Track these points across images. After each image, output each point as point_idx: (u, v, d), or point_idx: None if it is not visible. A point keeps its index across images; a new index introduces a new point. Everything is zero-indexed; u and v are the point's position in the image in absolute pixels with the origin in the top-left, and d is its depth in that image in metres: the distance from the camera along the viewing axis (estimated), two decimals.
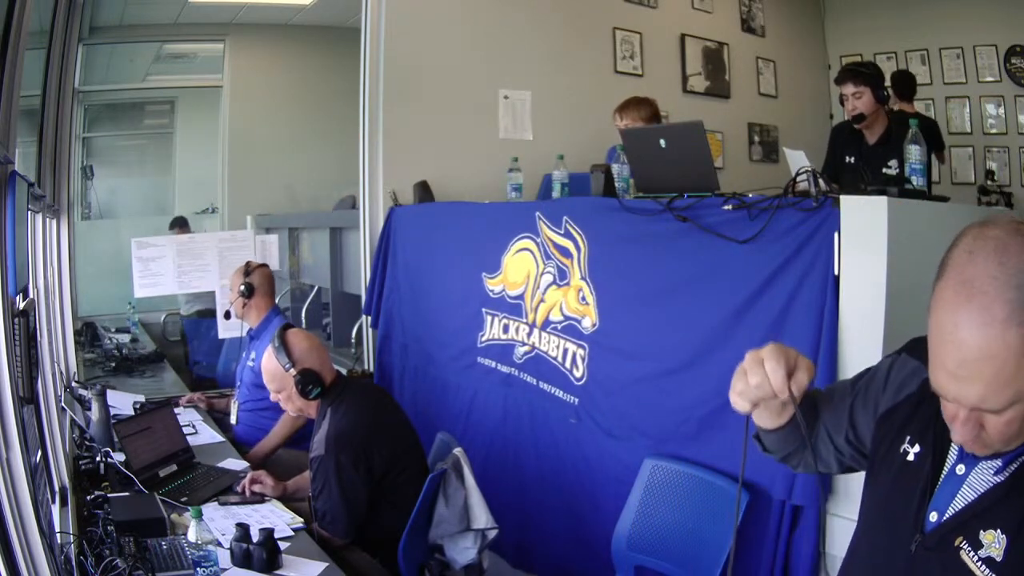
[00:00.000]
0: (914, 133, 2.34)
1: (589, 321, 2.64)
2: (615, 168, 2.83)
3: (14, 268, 1.57)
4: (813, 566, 2.08)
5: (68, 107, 3.76)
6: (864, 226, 1.99)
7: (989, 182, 4.93)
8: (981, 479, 0.98)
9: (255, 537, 1.95)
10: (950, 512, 1.00)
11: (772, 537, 2.11)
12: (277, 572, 1.92)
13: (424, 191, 3.92)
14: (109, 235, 6.05)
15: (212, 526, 2.10)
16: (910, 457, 1.07)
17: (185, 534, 1.89)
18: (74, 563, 1.79)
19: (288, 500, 2.47)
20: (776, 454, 1.30)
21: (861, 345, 2.01)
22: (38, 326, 2.20)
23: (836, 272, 2.01)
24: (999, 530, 0.94)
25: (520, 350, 2.99)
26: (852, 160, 3.24)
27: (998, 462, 0.96)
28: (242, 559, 1.92)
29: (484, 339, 3.19)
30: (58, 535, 1.85)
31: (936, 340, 0.90)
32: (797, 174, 2.17)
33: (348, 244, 4.55)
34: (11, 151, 1.69)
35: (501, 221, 3.17)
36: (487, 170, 3.88)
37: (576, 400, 2.70)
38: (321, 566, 1.97)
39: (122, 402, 3.39)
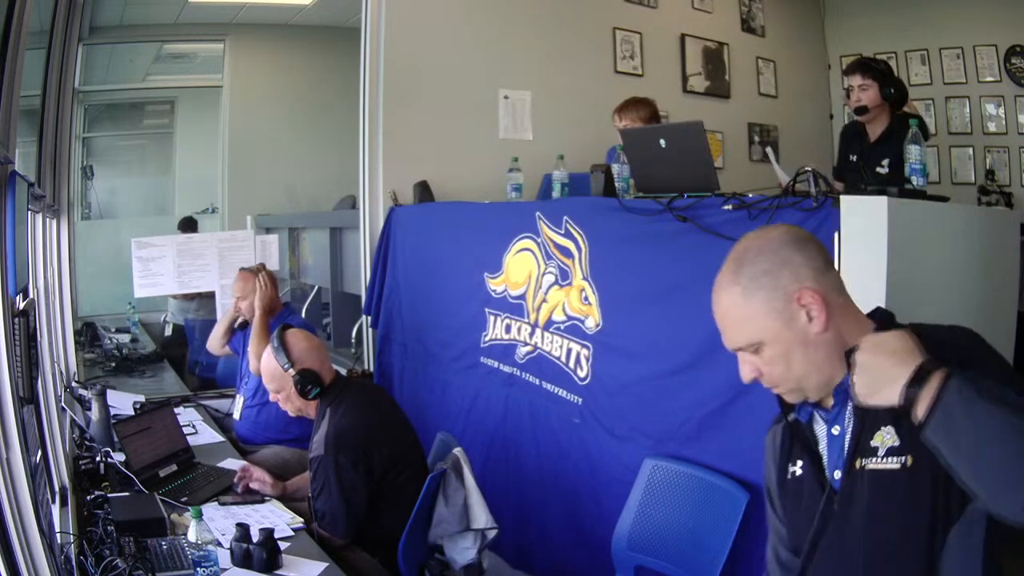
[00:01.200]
0: (914, 133, 2.34)
1: (592, 321, 2.64)
2: (615, 168, 2.83)
3: (14, 268, 1.57)
4: None
5: (68, 107, 3.76)
6: (864, 226, 1.99)
7: (989, 182, 4.93)
8: (850, 419, 1.19)
9: (255, 537, 1.96)
10: (845, 456, 1.19)
11: None
12: (277, 572, 1.92)
13: (424, 191, 3.92)
14: (109, 235, 6.05)
15: (212, 526, 2.10)
16: (796, 473, 1.28)
17: (185, 534, 1.88)
18: (74, 563, 1.79)
19: (288, 500, 2.47)
20: None
21: None
22: (38, 326, 2.20)
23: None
24: (882, 428, 1.14)
25: (522, 350, 2.99)
26: (855, 158, 3.25)
27: (845, 404, 1.20)
28: (242, 559, 1.92)
29: (487, 339, 3.19)
30: (58, 535, 1.85)
31: None
32: (797, 174, 2.17)
33: (348, 244, 4.55)
34: (11, 151, 1.69)
35: (501, 221, 3.17)
36: (487, 170, 3.88)
37: (580, 400, 2.70)
38: (321, 566, 1.98)
39: (122, 402, 3.39)
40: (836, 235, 2.01)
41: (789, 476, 1.30)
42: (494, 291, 3.16)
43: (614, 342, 2.58)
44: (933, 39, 5.36)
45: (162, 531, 2.07)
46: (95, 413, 2.82)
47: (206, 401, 3.75)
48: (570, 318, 2.75)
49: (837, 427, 1.22)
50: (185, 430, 2.96)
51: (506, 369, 3.08)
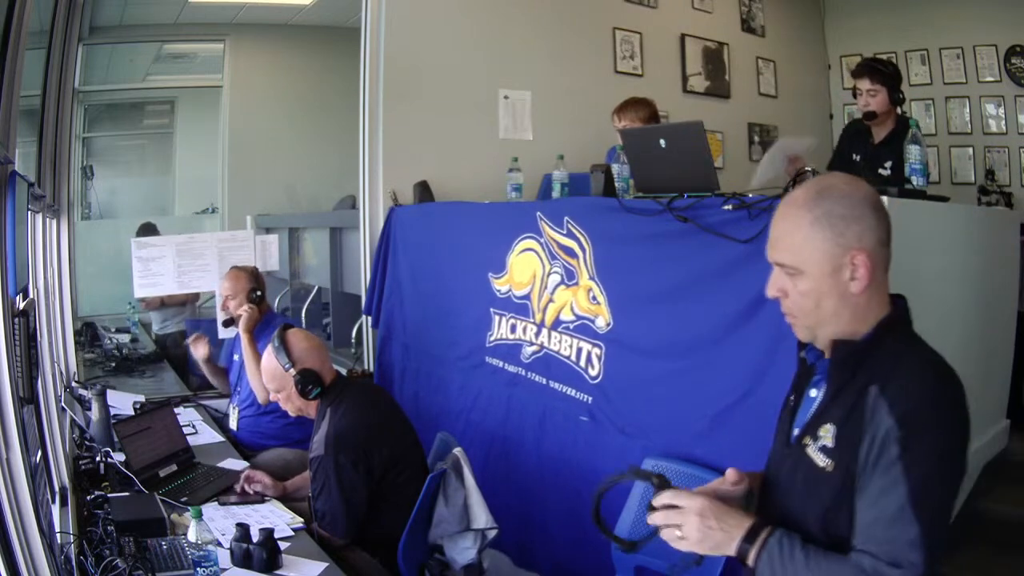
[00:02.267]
0: (914, 133, 2.34)
1: (603, 320, 2.64)
2: (615, 168, 2.83)
3: (14, 268, 1.57)
4: None
5: (68, 107, 3.76)
6: None
7: (989, 182, 4.93)
8: (822, 393, 1.29)
9: (255, 537, 1.95)
10: (804, 423, 1.30)
11: None
12: (277, 572, 1.92)
13: (424, 191, 3.92)
14: (109, 235, 6.05)
15: (212, 526, 2.10)
16: (791, 402, 1.40)
17: (185, 534, 1.89)
18: (74, 563, 1.79)
19: (288, 500, 2.47)
20: None
21: None
22: (38, 326, 2.20)
23: None
24: (831, 423, 1.23)
25: (528, 350, 2.98)
26: (858, 158, 3.24)
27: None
28: (242, 559, 1.92)
29: (492, 339, 3.19)
30: (58, 535, 1.85)
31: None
32: (798, 174, 2.17)
33: (348, 244, 4.55)
34: (11, 151, 1.69)
35: (503, 221, 3.17)
36: (487, 170, 3.88)
37: (589, 398, 2.70)
38: (321, 566, 1.98)
39: (122, 402, 3.39)
40: None
41: (788, 397, 1.41)
42: (499, 291, 3.16)
43: (627, 341, 2.57)
44: (933, 39, 5.36)
45: (162, 531, 2.07)
46: (95, 413, 2.82)
47: (206, 401, 3.75)
48: (579, 317, 2.74)
49: (815, 391, 1.32)
50: (185, 430, 2.96)
51: (511, 369, 3.07)
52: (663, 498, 1.26)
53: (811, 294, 1.24)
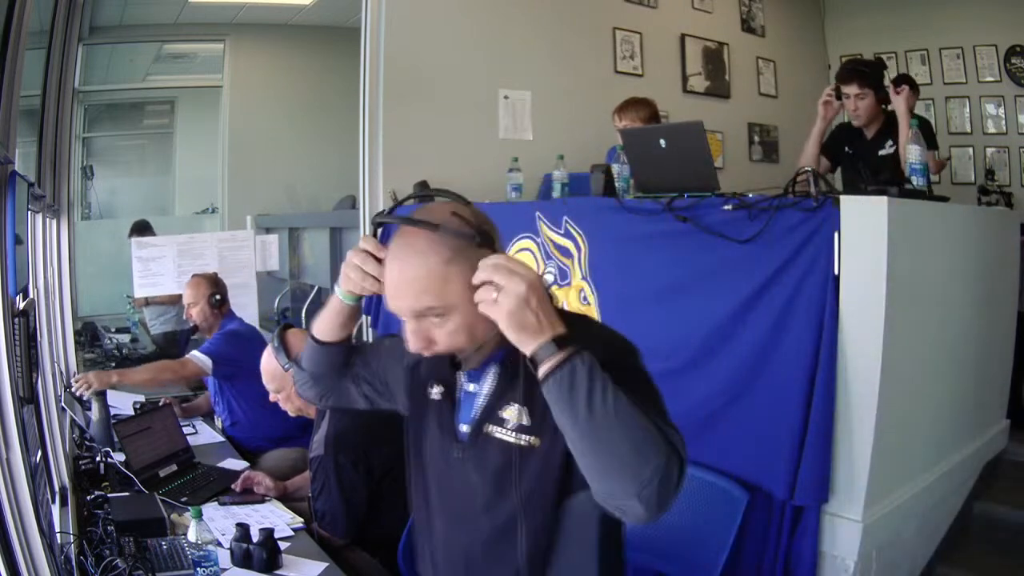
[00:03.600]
0: (914, 133, 2.34)
1: None
2: (615, 168, 2.83)
3: (14, 268, 1.57)
4: (814, 566, 2.08)
5: (68, 107, 3.76)
6: (864, 226, 1.99)
7: (989, 182, 4.94)
8: (487, 384, 1.29)
9: (255, 537, 1.95)
10: (474, 415, 1.29)
11: (773, 537, 2.12)
12: (277, 572, 1.92)
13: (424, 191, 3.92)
14: (109, 235, 6.06)
15: (212, 526, 2.10)
16: (435, 397, 1.36)
17: (185, 534, 1.88)
18: (74, 563, 1.79)
19: (288, 500, 2.47)
20: (313, 370, 1.48)
21: (861, 344, 2.01)
22: (38, 326, 2.20)
23: (836, 272, 2.02)
24: (515, 404, 1.23)
25: None
26: (851, 151, 3.22)
27: (489, 369, 1.28)
28: (242, 559, 1.92)
29: None
30: (58, 535, 1.85)
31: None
32: (797, 174, 2.17)
33: (348, 244, 4.55)
34: (11, 151, 1.69)
35: (501, 221, 3.11)
36: (487, 170, 3.88)
37: None
38: (321, 566, 1.97)
39: (122, 402, 3.39)
40: (836, 235, 2.01)
41: (428, 395, 1.37)
42: None
43: None
44: (933, 39, 5.36)
45: (162, 531, 2.07)
46: (95, 413, 2.82)
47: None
48: None
49: (474, 385, 1.31)
50: (185, 430, 2.96)
51: None
52: (498, 258, 1.12)
53: (460, 330, 1.19)
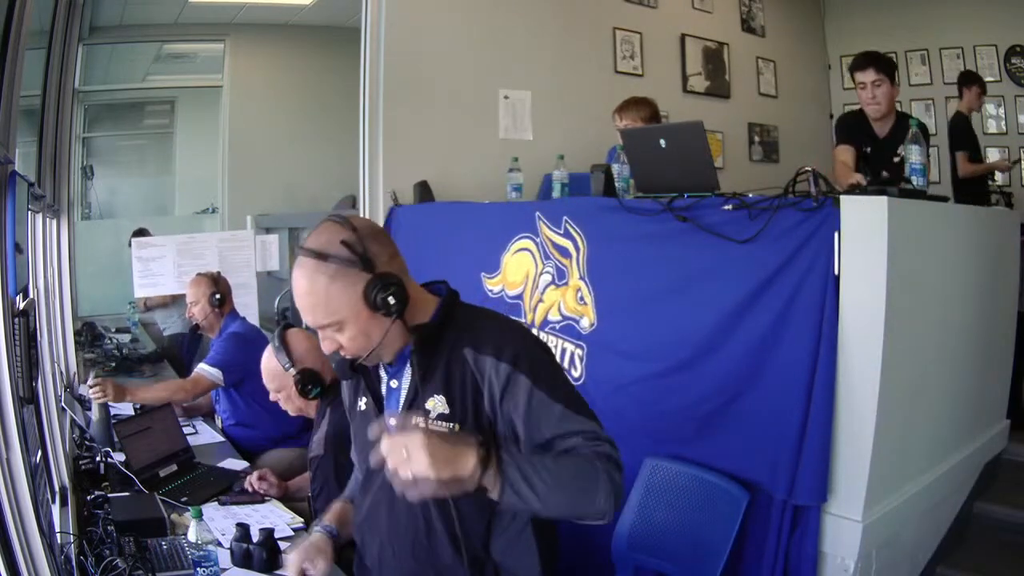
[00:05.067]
0: (914, 133, 2.34)
1: (587, 321, 2.64)
2: (615, 168, 2.83)
3: (14, 268, 1.57)
4: (814, 566, 2.08)
5: (68, 107, 3.76)
6: (864, 226, 1.99)
7: (989, 182, 4.93)
8: (406, 379, 1.44)
9: (255, 537, 1.95)
10: (400, 408, 1.43)
11: (773, 537, 2.11)
12: (277, 572, 1.92)
13: (424, 191, 3.92)
14: (109, 235, 6.05)
15: (212, 526, 2.10)
16: (362, 408, 1.54)
17: (185, 534, 1.88)
18: (74, 563, 1.79)
19: (288, 500, 2.47)
20: None
21: (861, 344, 2.01)
22: (38, 326, 2.20)
23: (836, 272, 2.02)
24: (435, 395, 1.38)
25: None
26: (868, 150, 3.18)
27: (404, 366, 1.44)
28: (242, 559, 1.92)
29: None
30: (58, 535, 1.85)
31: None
32: (797, 174, 2.17)
33: None
34: (11, 151, 1.69)
35: (501, 221, 3.17)
36: (487, 170, 3.88)
37: None
38: None
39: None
40: (836, 235, 2.01)
41: (357, 409, 1.55)
42: (491, 291, 3.15)
43: (609, 342, 2.57)
44: (933, 39, 5.37)
45: (162, 531, 2.07)
46: (95, 413, 2.82)
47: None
48: (565, 318, 2.74)
49: (396, 381, 1.46)
50: (185, 430, 2.96)
51: None
52: (385, 441, 1.22)
53: (358, 336, 1.35)
